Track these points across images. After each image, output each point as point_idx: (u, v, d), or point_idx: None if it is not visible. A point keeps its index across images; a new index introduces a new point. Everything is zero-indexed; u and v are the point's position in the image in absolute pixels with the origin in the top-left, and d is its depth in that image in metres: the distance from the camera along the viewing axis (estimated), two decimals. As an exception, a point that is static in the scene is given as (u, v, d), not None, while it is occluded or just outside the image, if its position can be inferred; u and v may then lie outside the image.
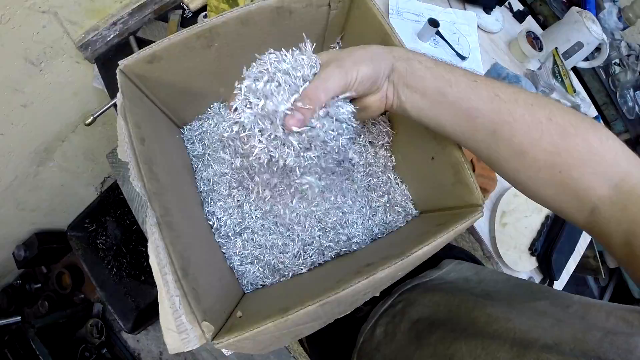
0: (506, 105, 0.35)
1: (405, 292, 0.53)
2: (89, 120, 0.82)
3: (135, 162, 0.35)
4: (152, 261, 0.31)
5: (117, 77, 0.41)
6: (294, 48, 0.38)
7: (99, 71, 0.87)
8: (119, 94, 0.39)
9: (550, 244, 1.00)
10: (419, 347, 0.42)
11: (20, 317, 1.35)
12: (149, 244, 0.32)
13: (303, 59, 0.36)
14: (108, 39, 0.85)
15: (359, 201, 0.52)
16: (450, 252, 0.66)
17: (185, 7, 0.86)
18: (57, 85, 0.89)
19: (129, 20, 0.85)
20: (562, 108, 0.35)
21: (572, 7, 1.15)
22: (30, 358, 1.18)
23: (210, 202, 0.51)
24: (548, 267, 0.99)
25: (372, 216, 0.51)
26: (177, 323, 0.32)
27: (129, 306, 1.26)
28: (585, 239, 1.12)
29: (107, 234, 1.31)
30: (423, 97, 0.38)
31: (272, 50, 0.37)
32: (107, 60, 0.86)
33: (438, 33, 1.00)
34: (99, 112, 0.79)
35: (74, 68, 0.89)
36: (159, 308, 0.32)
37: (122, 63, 0.42)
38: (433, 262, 0.58)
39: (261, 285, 0.51)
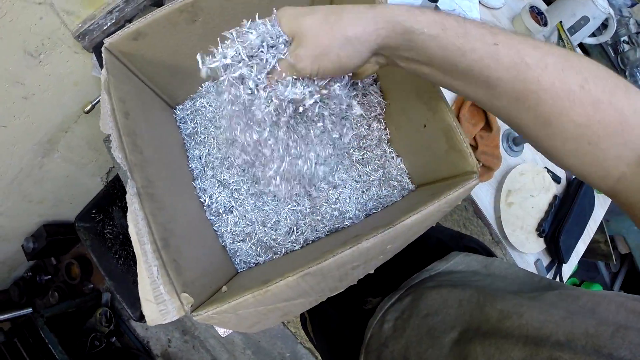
0: (533, 73, 0.31)
1: (413, 286, 0.51)
2: (88, 107, 0.83)
3: (117, 133, 0.35)
4: (131, 230, 0.31)
5: (102, 54, 0.41)
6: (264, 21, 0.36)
7: (97, 60, 0.87)
8: (103, 70, 0.39)
9: (558, 224, 0.97)
10: (430, 346, 0.40)
11: (31, 309, 1.37)
12: (128, 214, 0.32)
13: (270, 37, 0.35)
14: (105, 28, 0.85)
15: (351, 175, 0.51)
16: (460, 241, 0.64)
17: (179, -8, 0.86)
18: (57, 76, 0.90)
19: (124, 7, 0.85)
20: (597, 70, 0.31)
21: None
22: (39, 347, 1.20)
23: (202, 179, 0.51)
24: (556, 249, 0.96)
25: (366, 191, 0.50)
26: (155, 294, 0.31)
27: (137, 295, 1.28)
28: (595, 221, 1.09)
29: (114, 223, 1.33)
30: (428, 65, 0.34)
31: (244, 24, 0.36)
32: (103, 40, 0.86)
33: (437, 9, 0.98)
34: (97, 100, 0.79)
35: (73, 58, 0.90)
36: (138, 278, 0.32)
37: (107, 41, 0.42)
38: (440, 253, 0.57)
39: (254, 263, 0.51)
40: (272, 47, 0.35)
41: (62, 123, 1.03)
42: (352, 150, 0.52)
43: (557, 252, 0.97)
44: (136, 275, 1.10)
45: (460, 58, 0.32)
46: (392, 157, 0.52)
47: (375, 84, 0.53)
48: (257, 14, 0.37)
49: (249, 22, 0.36)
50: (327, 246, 0.46)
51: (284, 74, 0.35)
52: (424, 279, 0.53)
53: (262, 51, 0.35)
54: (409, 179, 0.51)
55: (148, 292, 0.31)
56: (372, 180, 0.51)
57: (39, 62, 0.84)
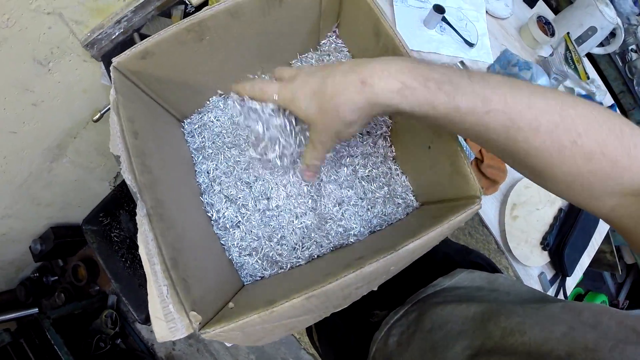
0: (524, 134, 0.31)
1: (419, 302, 0.52)
2: (97, 116, 0.84)
3: (126, 155, 0.35)
4: (141, 251, 0.32)
5: (111, 74, 0.42)
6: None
7: (106, 68, 0.88)
8: (112, 90, 0.40)
9: (563, 238, 0.97)
10: None
11: (37, 309, 1.39)
12: (138, 235, 0.33)
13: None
14: (113, 37, 0.86)
15: (357, 192, 0.52)
16: (467, 256, 0.64)
17: (187, 2, 0.87)
18: (66, 83, 0.91)
19: (132, 17, 0.86)
20: (594, 119, 0.32)
21: None
22: (45, 348, 1.22)
23: (210, 194, 0.52)
24: (560, 263, 0.96)
25: (371, 208, 0.51)
26: (165, 312, 0.32)
27: (143, 298, 1.29)
28: (600, 234, 1.08)
29: (121, 227, 1.35)
30: (422, 122, 0.36)
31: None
32: (113, 57, 0.87)
33: (444, 19, 0.98)
34: (106, 109, 0.80)
35: (82, 66, 0.91)
36: (148, 297, 0.33)
37: (115, 60, 0.42)
38: (447, 268, 0.57)
39: (260, 277, 0.51)
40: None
41: (71, 129, 1.04)
42: (357, 167, 0.52)
43: (561, 266, 0.97)
44: (142, 278, 1.11)
45: (452, 127, 0.34)
46: (398, 175, 0.52)
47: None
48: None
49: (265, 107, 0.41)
50: (332, 264, 0.46)
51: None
52: (429, 295, 0.54)
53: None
54: (413, 196, 0.51)
55: (158, 310, 0.32)
56: (377, 198, 0.51)
57: (48, 70, 0.86)
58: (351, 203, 0.50)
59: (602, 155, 0.31)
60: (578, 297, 1.70)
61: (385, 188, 0.52)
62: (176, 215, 0.40)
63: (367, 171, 0.52)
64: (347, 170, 0.52)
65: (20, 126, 0.91)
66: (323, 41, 0.58)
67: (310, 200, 0.51)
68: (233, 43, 0.49)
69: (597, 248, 1.08)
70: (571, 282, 1.01)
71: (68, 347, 1.23)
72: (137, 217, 0.33)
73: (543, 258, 0.97)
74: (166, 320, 0.32)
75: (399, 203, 0.51)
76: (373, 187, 0.52)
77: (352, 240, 0.50)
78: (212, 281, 0.42)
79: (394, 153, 0.53)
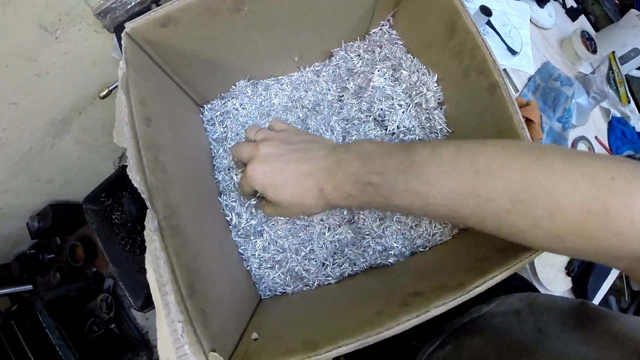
0: (474, 221, 0.30)
1: (455, 331, 0.47)
2: (104, 92, 0.77)
3: (135, 147, 0.28)
4: (150, 277, 0.25)
5: (123, 41, 0.34)
6: None
7: (118, 41, 0.81)
8: (121, 62, 0.32)
9: (588, 265, 0.95)
10: None
11: (31, 286, 1.35)
12: (146, 255, 0.26)
13: None
14: (129, 7, 0.78)
15: None
16: (506, 279, 0.61)
17: (213, -27, 0.78)
18: (74, 54, 0.84)
19: (151, -15, 0.78)
20: (560, 196, 0.26)
21: (631, 10, 1.06)
22: (37, 330, 1.17)
23: (229, 195, 0.45)
24: (583, 290, 0.94)
25: (415, 226, 0.43)
26: (179, 354, 0.25)
27: (141, 284, 1.24)
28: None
29: (123, 209, 1.28)
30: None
31: None
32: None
33: (489, 23, 0.90)
34: (115, 85, 0.73)
35: (92, 37, 0.83)
36: (157, 333, 0.26)
37: (129, 25, 0.34)
38: (485, 294, 0.53)
39: (280, 292, 0.44)
40: None
41: (77, 104, 0.97)
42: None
43: (582, 294, 0.94)
44: (140, 264, 1.03)
45: (428, 211, 0.32)
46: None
47: (440, 109, 0.45)
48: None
49: None
50: (371, 289, 0.39)
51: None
52: (466, 323, 0.48)
53: None
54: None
55: (170, 352, 0.25)
56: (424, 215, 0.44)
57: (55, 38, 0.78)
58: (394, 219, 0.43)
59: (578, 238, 0.26)
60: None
61: (433, 204, 0.44)
62: (192, 224, 0.32)
63: None
64: None
65: (22, 97, 0.84)
66: (374, 30, 0.50)
67: (346, 212, 0.43)
68: (273, 19, 0.41)
69: (615, 275, 1.05)
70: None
71: (60, 331, 1.17)
72: (145, 232, 0.25)
73: (566, 284, 0.94)
74: (180, 364, 0.24)
75: (445, 223, 0.44)
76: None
77: (391, 260, 0.43)
78: (231, 302, 0.35)
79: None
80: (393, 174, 0.31)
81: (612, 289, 1.43)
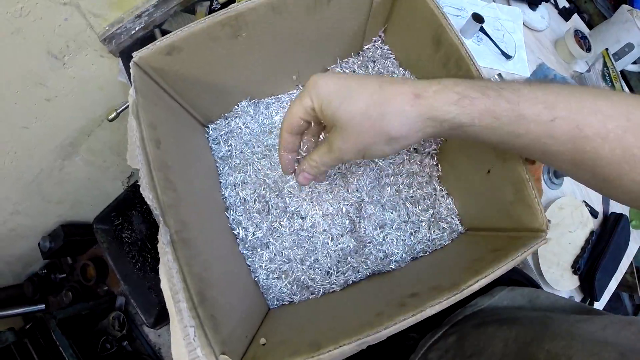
0: (592, 143, 0.29)
1: (457, 324, 0.48)
2: (112, 115, 0.80)
3: (147, 168, 0.30)
4: (164, 286, 0.27)
5: (131, 70, 0.37)
6: None
7: (124, 65, 0.84)
8: (131, 90, 0.34)
9: (594, 262, 0.94)
10: None
11: (44, 305, 1.36)
12: (160, 266, 0.28)
13: None
14: (133, 32, 0.82)
15: (400, 215, 0.46)
16: (506, 273, 0.61)
17: (213, -3, 0.82)
18: (81, 79, 0.87)
19: (154, 12, 0.81)
20: None
21: (623, 5, 1.07)
22: (51, 349, 1.18)
23: (236, 210, 0.47)
24: (590, 288, 0.92)
25: (414, 232, 0.45)
26: (192, 357, 0.27)
27: (152, 301, 1.25)
28: (628, 257, 1.04)
29: (133, 228, 1.31)
30: (482, 140, 0.32)
31: None
32: (132, 53, 0.83)
33: (482, 29, 0.92)
34: (122, 108, 0.76)
35: (99, 62, 0.87)
36: (171, 338, 0.28)
37: (136, 55, 0.37)
38: (484, 287, 0.54)
39: (288, 301, 0.46)
40: None
41: (85, 127, 1.00)
42: (402, 187, 0.46)
43: (590, 291, 0.93)
44: (151, 282, 1.04)
45: (515, 140, 0.30)
46: (443, 196, 0.47)
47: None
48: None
49: None
50: (373, 294, 0.41)
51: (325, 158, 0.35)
52: (468, 315, 0.50)
53: None
54: (458, 220, 0.46)
55: (183, 355, 0.27)
56: (422, 221, 0.46)
57: (63, 64, 0.81)
58: (394, 226, 0.45)
59: None
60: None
61: (430, 211, 0.46)
62: (201, 238, 0.34)
63: (411, 192, 0.47)
64: (390, 190, 0.46)
65: (32, 121, 0.87)
66: (367, 45, 0.53)
67: (348, 221, 0.46)
68: (270, 43, 0.43)
69: (624, 272, 1.04)
70: (598, 307, 0.97)
71: (73, 349, 1.19)
72: (158, 245, 0.28)
73: (573, 282, 0.93)
74: (192, 366, 0.26)
75: (444, 228, 0.46)
76: (418, 210, 0.46)
77: (392, 266, 0.45)
78: (240, 310, 0.37)
79: (440, 173, 0.47)
80: (516, 83, 0.30)
81: (624, 285, 1.41)
